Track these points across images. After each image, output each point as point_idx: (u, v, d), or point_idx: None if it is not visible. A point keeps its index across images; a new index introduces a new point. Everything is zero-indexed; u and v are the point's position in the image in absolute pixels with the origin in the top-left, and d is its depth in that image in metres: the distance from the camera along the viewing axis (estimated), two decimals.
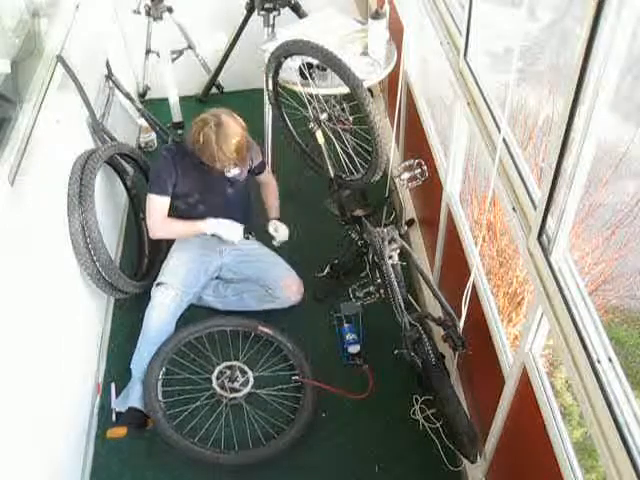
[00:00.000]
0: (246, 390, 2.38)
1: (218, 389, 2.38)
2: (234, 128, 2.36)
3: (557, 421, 1.48)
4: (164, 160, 2.52)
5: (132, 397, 2.36)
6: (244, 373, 2.43)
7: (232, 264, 2.72)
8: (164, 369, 2.41)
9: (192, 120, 2.41)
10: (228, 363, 2.46)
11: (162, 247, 2.82)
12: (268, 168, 2.87)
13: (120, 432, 2.31)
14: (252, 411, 2.36)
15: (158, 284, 2.55)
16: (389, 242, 2.28)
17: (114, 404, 2.39)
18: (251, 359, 2.51)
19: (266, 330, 2.52)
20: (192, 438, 2.26)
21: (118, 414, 2.36)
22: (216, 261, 2.70)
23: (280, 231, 2.70)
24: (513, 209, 1.61)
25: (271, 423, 2.34)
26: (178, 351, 2.50)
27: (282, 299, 2.64)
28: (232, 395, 2.37)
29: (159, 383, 2.36)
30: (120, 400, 2.40)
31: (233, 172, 2.51)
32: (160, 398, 2.33)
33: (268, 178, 2.86)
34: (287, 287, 2.64)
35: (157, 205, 2.53)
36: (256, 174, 2.76)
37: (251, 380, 2.41)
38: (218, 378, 2.40)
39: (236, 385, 2.39)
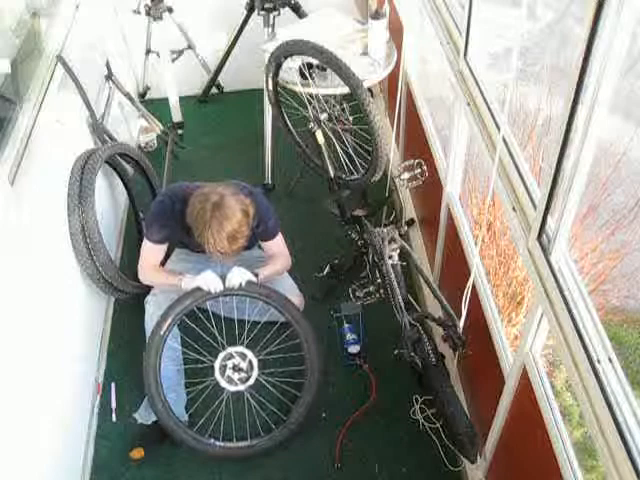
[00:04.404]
0: (250, 382, 2.31)
1: (221, 380, 2.30)
2: (233, 212, 2.08)
3: (557, 421, 1.48)
4: (162, 206, 2.33)
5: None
6: (248, 360, 2.32)
7: None
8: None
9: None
10: (231, 349, 2.33)
11: None
12: (277, 239, 2.45)
13: (139, 453, 2.27)
14: (255, 399, 2.34)
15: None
16: (389, 242, 2.28)
17: (138, 415, 2.36)
18: (255, 339, 2.41)
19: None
20: (191, 428, 2.25)
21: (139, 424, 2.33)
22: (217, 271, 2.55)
23: (237, 276, 2.30)
24: (513, 209, 1.61)
25: (280, 406, 2.33)
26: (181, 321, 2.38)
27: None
28: (235, 389, 2.31)
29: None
30: (143, 411, 2.35)
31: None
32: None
33: (273, 249, 2.47)
34: None
35: (149, 252, 2.39)
36: (260, 239, 2.47)
37: (255, 368, 2.32)
38: (221, 366, 2.31)
39: (241, 375, 2.31)
